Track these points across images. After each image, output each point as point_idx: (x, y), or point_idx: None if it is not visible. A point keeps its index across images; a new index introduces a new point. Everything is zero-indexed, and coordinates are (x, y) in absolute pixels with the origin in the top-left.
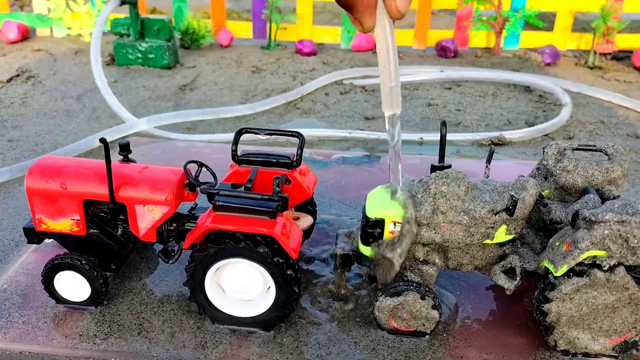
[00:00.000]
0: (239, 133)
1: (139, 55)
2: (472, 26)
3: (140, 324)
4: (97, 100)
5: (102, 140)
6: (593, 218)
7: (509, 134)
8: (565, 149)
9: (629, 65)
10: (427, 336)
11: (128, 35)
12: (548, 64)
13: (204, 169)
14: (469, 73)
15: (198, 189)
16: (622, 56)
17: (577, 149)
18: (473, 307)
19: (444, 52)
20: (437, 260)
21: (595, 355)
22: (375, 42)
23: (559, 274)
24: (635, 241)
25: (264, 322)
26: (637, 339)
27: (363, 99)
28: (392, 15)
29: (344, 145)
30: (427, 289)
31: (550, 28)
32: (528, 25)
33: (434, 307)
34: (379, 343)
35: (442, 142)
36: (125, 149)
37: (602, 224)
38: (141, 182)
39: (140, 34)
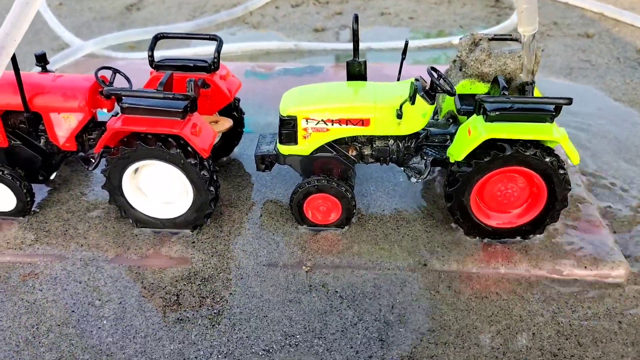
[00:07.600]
0: (155, 39)
1: None
2: None
3: (66, 231)
4: (40, 23)
5: None
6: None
7: (456, 39)
8: (480, 40)
9: None
10: None
11: None
12: None
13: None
14: None
15: (103, 90)
16: None
17: (493, 39)
18: None
19: None
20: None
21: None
22: None
23: (460, 158)
24: None
25: (185, 222)
26: None
27: (315, 11)
28: None
29: (290, 57)
30: None
31: None
32: None
33: None
34: (300, 237)
35: (355, 36)
36: (42, 59)
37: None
38: (54, 91)
39: None
